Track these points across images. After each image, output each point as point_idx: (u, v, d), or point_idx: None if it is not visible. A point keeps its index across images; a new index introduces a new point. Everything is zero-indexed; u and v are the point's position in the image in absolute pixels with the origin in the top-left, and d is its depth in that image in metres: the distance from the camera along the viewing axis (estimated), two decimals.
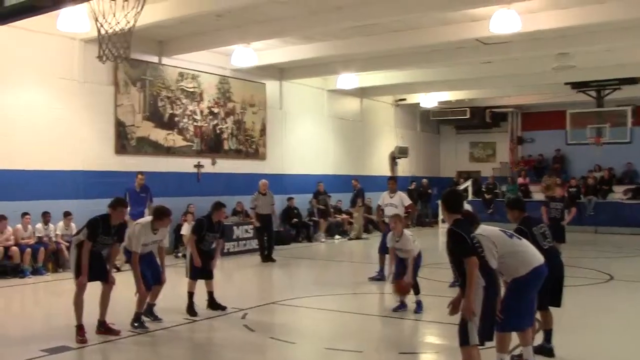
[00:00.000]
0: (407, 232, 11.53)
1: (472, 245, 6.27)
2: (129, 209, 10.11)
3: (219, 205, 11.29)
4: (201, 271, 10.86)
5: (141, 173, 16.79)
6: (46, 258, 15.51)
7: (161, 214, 9.89)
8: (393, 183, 15.27)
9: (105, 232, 9.26)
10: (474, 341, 6.26)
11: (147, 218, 10.25)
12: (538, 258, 7.18)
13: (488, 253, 6.61)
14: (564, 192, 18.34)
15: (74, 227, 16.03)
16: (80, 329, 9.06)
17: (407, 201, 14.98)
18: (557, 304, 8.06)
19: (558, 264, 7.96)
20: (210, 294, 11.16)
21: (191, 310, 10.78)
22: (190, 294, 10.86)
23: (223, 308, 11.10)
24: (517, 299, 7.05)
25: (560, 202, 16.78)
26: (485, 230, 7.08)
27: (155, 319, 10.21)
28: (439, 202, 29.78)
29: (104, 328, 9.36)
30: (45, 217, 15.80)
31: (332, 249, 22.11)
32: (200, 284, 11.00)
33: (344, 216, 25.48)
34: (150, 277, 9.89)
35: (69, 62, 16.84)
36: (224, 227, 11.98)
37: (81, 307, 9.11)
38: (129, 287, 9.64)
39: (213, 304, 11.13)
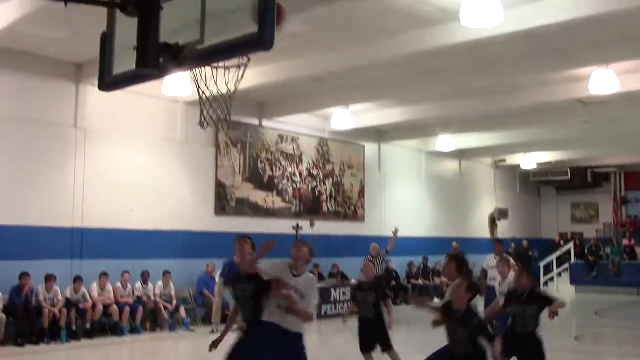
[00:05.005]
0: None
1: None
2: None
3: None
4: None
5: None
6: (144, 317, 15.73)
7: None
8: (499, 246, 14.97)
9: (239, 280, 7.51)
10: None
11: None
12: None
13: None
14: None
15: (172, 286, 16.32)
16: None
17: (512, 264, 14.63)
18: None
19: None
20: None
21: None
22: None
23: None
24: None
25: None
26: None
27: None
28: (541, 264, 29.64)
29: None
30: (144, 276, 16.09)
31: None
32: None
33: (443, 279, 25.06)
34: None
35: (172, 124, 17.33)
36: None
37: None
38: None
39: None
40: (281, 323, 6.80)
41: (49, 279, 14.27)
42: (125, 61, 5.28)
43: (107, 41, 5.58)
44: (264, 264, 6.94)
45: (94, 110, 15.63)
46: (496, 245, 15.00)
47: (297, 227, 20.14)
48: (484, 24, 11.15)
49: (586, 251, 29.83)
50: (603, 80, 14.89)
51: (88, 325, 14.73)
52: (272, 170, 19.77)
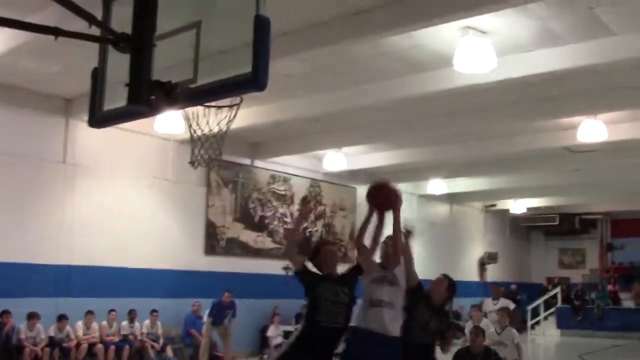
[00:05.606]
0: (512, 328, 11.19)
1: None
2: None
3: None
4: None
5: (229, 291, 16.61)
6: (130, 356, 15.51)
7: None
8: (497, 289, 14.96)
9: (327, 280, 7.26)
10: None
11: None
12: None
13: None
14: None
15: (159, 325, 16.13)
16: None
17: (512, 306, 14.58)
18: None
19: None
20: None
21: None
22: None
23: None
24: None
25: None
26: None
27: None
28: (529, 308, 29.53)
29: None
30: (131, 315, 15.90)
31: None
32: None
33: None
34: None
35: (163, 162, 17.21)
36: None
37: None
38: None
39: None
40: (379, 328, 6.90)
41: (32, 317, 14.06)
42: (116, 97, 5.18)
43: (98, 77, 5.49)
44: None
45: (83, 146, 15.49)
46: (494, 289, 15.00)
47: (286, 268, 19.99)
48: (476, 69, 11.17)
49: (572, 296, 30.09)
50: (591, 129, 15.12)
51: None
52: (263, 210, 19.66)
